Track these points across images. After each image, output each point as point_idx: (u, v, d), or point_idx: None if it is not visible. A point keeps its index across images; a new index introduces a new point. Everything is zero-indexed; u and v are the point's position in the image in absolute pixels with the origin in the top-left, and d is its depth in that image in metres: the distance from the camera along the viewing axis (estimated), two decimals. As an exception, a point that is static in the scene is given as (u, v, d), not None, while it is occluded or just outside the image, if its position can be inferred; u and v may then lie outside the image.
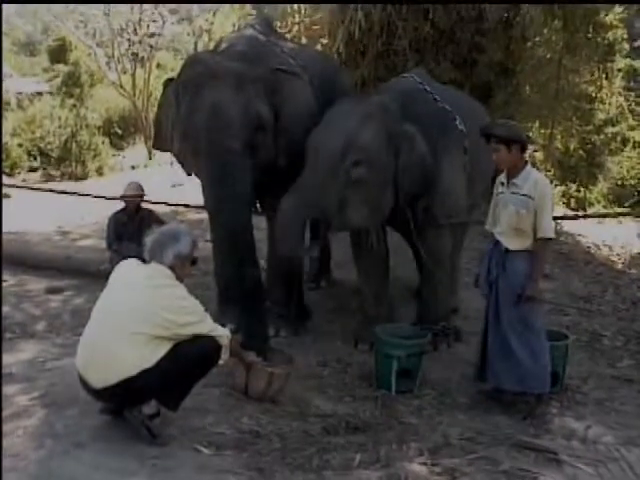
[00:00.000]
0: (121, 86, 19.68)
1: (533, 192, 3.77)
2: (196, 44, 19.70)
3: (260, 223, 5.04)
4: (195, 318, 3.19)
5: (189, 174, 4.69)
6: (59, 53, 22.97)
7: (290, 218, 4.13)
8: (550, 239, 3.82)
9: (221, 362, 3.35)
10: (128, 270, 3.29)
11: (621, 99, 11.16)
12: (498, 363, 3.93)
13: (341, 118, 4.30)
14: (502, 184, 3.97)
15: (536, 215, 3.76)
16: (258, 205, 4.98)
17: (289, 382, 3.97)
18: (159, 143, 5.04)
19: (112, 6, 19.07)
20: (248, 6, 11.84)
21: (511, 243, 3.88)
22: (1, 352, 4.04)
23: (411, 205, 4.53)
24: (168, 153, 5.12)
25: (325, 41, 9.04)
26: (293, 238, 4.18)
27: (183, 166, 4.76)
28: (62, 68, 21.89)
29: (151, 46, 19.93)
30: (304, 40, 9.24)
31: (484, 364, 4.05)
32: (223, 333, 3.33)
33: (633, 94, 11.75)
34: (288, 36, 8.24)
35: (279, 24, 9.01)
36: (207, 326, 3.25)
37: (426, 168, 4.42)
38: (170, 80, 4.78)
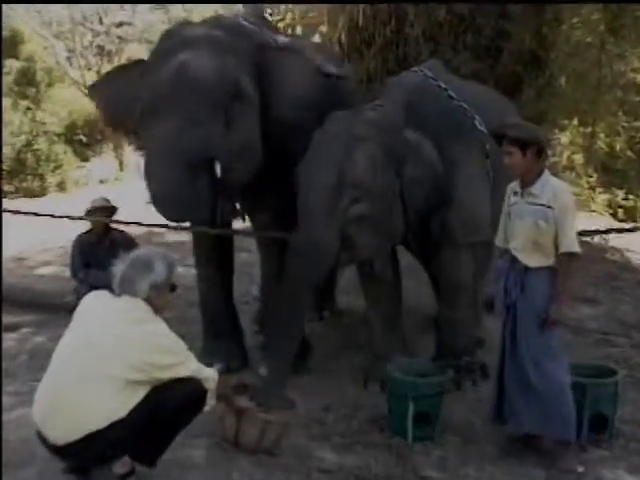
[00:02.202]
0: (85, 85, 19.80)
1: (553, 202, 3.83)
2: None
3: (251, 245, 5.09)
4: (177, 359, 3.23)
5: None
6: (9, 46, 23.04)
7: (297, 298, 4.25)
8: (575, 254, 3.87)
9: (207, 408, 3.39)
10: (97, 303, 3.32)
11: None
12: (517, 400, 3.96)
13: (330, 146, 4.37)
14: (515, 193, 4.03)
15: (557, 227, 3.82)
16: (246, 217, 5.05)
17: (288, 431, 4.00)
18: (113, 122, 5.17)
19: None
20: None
21: (530, 260, 3.92)
22: (1, 351, 3.96)
23: (424, 222, 4.61)
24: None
25: (324, 29, 9.13)
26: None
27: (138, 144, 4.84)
28: (13, 64, 21.92)
29: (120, 37, 20.10)
30: (299, 29, 9.34)
31: (502, 402, 4.08)
32: (209, 375, 3.37)
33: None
34: (281, 25, 8.36)
35: (270, 11, 9.12)
36: (191, 368, 3.29)
37: (437, 178, 4.50)
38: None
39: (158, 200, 4.23)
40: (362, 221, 4.29)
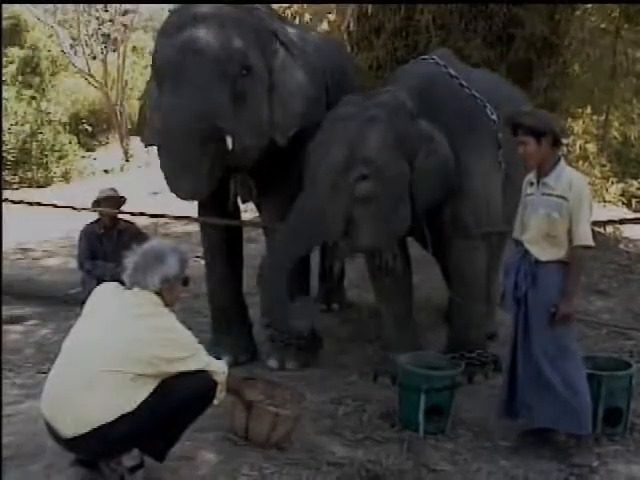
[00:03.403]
0: (90, 74, 19.82)
1: (568, 193, 3.79)
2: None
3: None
4: (186, 352, 3.23)
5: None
6: (12, 34, 23.05)
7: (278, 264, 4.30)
8: (589, 247, 3.86)
9: (216, 402, 3.40)
10: (108, 296, 3.32)
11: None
12: (530, 395, 3.95)
13: (342, 124, 4.38)
14: (531, 184, 4.00)
15: (571, 220, 3.81)
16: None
17: (298, 425, 4.01)
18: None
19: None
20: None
21: (542, 253, 3.90)
22: (1, 350, 4.00)
23: (436, 213, 4.61)
24: (149, 152, 5.20)
25: (332, 17, 9.12)
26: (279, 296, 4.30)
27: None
28: (17, 52, 21.94)
29: (125, 25, 20.07)
30: (308, 17, 9.32)
31: (513, 396, 4.07)
32: (219, 368, 3.38)
33: None
34: (288, 12, 8.34)
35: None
36: (200, 361, 3.28)
37: (448, 172, 4.50)
38: None
39: (166, 172, 4.26)
40: (367, 203, 4.28)
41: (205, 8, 4.39)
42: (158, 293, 3.25)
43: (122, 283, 3.32)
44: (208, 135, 4.12)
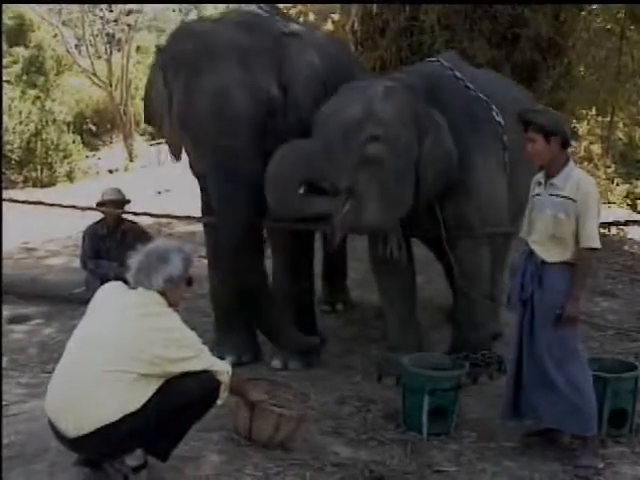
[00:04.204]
0: (94, 74, 19.87)
1: (575, 194, 3.77)
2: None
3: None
4: (190, 352, 3.22)
5: (177, 158, 4.90)
6: (17, 34, 23.09)
7: (286, 172, 4.25)
8: (595, 249, 3.84)
9: (220, 402, 3.39)
10: (111, 296, 3.32)
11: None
12: (536, 396, 3.94)
13: (359, 90, 4.43)
14: (539, 184, 3.99)
15: (578, 221, 3.79)
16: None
17: (302, 425, 4.01)
18: (148, 118, 5.26)
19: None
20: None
21: (548, 254, 3.89)
22: (1, 349, 4.00)
23: (440, 211, 4.61)
24: (153, 152, 5.25)
25: (337, 17, 9.12)
26: (289, 192, 4.26)
27: (172, 152, 4.95)
28: (22, 52, 21.99)
29: (129, 25, 20.12)
30: (312, 17, 9.33)
31: (517, 397, 4.06)
32: (223, 368, 3.37)
33: None
34: (293, 12, 8.34)
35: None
36: (204, 361, 3.28)
37: (452, 167, 4.51)
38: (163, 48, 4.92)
39: None
40: (374, 166, 4.28)
41: (217, 36, 4.53)
42: (162, 293, 3.24)
43: (126, 282, 3.32)
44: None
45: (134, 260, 3.29)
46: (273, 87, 4.51)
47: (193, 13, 19.73)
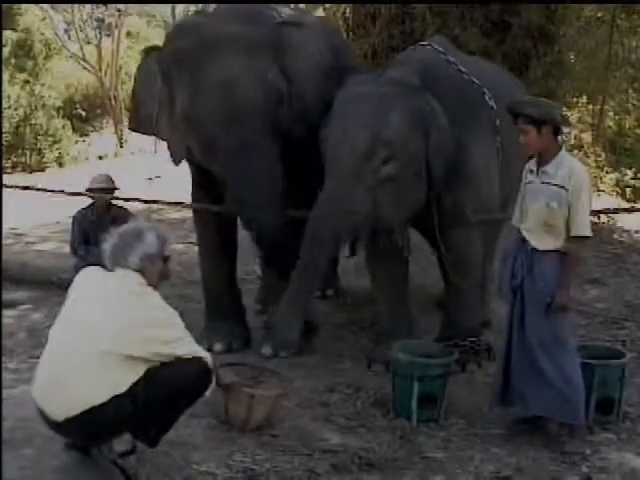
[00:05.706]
0: (84, 58, 19.73)
1: (567, 182, 3.78)
2: (174, 9, 19.71)
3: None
4: (174, 333, 3.22)
5: (177, 163, 4.82)
6: (5, 17, 22.89)
7: (322, 226, 4.29)
8: (586, 238, 3.85)
9: (208, 391, 3.38)
10: (92, 278, 3.32)
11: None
12: (525, 383, 3.95)
13: (359, 105, 4.38)
14: (531, 172, 3.98)
15: (570, 209, 3.79)
16: None
17: (281, 409, 4.01)
18: (137, 124, 5.12)
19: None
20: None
21: (539, 242, 3.89)
22: (1, 348, 3.99)
23: (437, 199, 4.61)
24: (143, 138, 5.21)
25: (327, 4, 9.08)
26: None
27: (172, 155, 4.85)
28: (10, 35, 21.80)
29: (119, 10, 19.98)
30: (301, 4, 9.29)
31: (506, 384, 4.07)
32: (206, 354, 3.36)
33: None
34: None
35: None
36: (190, 345, 3.27)
37: (452, 150, 4.51)
38: (151, 49, 4.85)
39: None
40: (390, 184, 4.31)
41: (218, 28, 4.49)
42: (140, 272, 3.23)
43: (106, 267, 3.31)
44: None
45: (108, 243, 3.29)
46: (278, 77, 4.49)
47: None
